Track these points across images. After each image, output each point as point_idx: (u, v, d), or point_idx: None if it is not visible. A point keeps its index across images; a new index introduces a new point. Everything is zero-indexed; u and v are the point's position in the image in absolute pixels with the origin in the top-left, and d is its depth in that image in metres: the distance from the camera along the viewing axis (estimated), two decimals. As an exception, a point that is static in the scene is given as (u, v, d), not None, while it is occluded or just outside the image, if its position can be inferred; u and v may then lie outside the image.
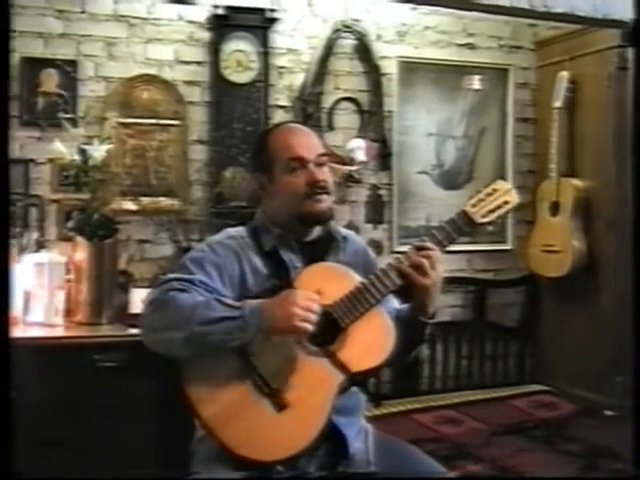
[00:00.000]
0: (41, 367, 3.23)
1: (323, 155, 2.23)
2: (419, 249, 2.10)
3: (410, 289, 2.13)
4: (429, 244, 2.11)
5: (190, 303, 1.98)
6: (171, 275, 2.09)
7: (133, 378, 3.33)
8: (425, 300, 2.12)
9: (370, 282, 2.09)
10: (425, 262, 2.07)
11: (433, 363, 5.00)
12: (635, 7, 3.44)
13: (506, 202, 2.18)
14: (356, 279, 2.11)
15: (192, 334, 1.95)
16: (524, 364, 5.31)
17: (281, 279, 2.12)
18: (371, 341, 2.06)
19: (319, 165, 2.20)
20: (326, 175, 2.21)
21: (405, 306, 2.23)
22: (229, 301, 2.02)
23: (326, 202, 2.19)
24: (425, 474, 2.16)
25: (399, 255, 2.12)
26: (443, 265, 2.11)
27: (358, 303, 2.07)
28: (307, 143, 2.23)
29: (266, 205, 2.28)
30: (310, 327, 1.96)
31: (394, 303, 2.28)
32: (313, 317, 1.97)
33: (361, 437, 2.20)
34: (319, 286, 2.07)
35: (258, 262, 2.16)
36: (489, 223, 2.16)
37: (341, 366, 2.03)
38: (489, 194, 2.18)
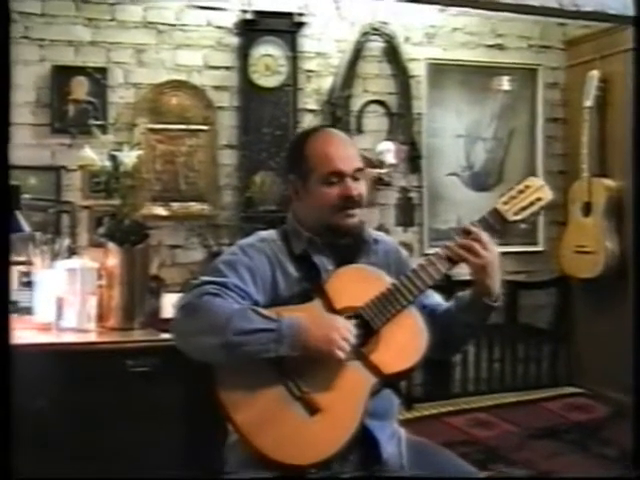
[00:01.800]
0: (74, 372, 3.24)
1: (360, 169, 2.23)
2: (467, 233, 2.10)
3: (452, 283, 2.13)
4: (475, 228, 2.10)
5: (226, 311, 1.98)
6: (204, 278, 2.09)
7: (165, 383, 3.33)
8: (485, 281, 2.11)
9: (401, 283, 2.08)
10: (474, 244, 2.07)
11: (465, 366, 4.98)
12: (636, 5, 3.40)
13: (539, 199, 2.15)
14: (387, 281, 2.11)
15: (227, 343, 1.95)
16: (557, 366, 5.27)
17: (312, 282, 2.12)
18: (403, 343, 2.05)
19: (355, 179, 2.19)
20: (361, 189, 2.20)
21: (466, 292, 2.20)
22: (266, 312, 2.01)
23: (357, 216, 2.19)
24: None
25: (435, 250, 2.12)
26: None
27: (389, 305, 2.06)
28: (346, 155, 2.21)
29: (297, 209, 2.27)
30: (344, 357, 1.97)
31: (436, 298, 2.29)
32: (348, 348, 1.98)
33: (394, 441, 2.19)
34: (350, 289, 2.07)
35: (289, 265, 2.16)
36: (522, 220, 2.14)
37: (373, 368, 2.02)
38: (521, 191, 2.15)
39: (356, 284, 2.11)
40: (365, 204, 2.23)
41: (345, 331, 1.99)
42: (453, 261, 2.10)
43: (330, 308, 2.07)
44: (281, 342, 1.95)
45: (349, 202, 2.16)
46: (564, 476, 3.72)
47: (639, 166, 3.35)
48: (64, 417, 3.13)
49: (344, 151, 2.22)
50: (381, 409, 2.10)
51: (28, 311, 3.51)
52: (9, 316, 1.78)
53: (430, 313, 2.19)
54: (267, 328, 1.96)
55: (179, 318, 2.06)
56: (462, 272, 2.15)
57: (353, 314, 2.06)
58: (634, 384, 2.81)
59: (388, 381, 2.07)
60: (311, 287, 2.11)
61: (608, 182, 4.85)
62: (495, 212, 2.14)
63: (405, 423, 2.33)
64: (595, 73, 4.85)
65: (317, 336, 1.96)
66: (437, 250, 2.14)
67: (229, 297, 2.02)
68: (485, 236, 2.09)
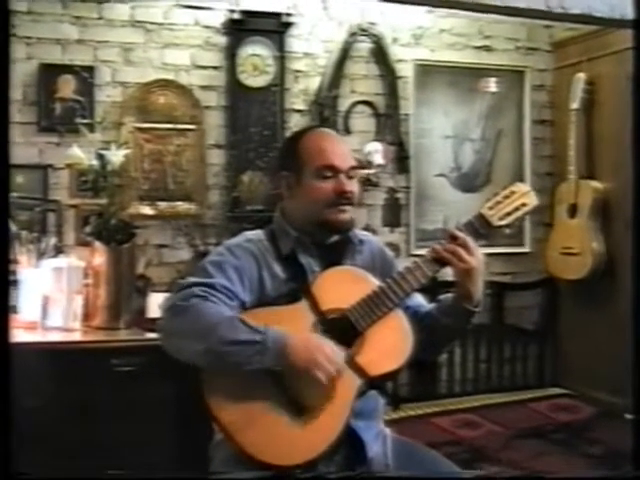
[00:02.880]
0: (59, 371, 3.23)
1: (354, 167, 2.24)
2: (453, 238, 2.11)
3: (437, 284, 2.13)
4: (461, 233, 2.11)
5: (213, 317, 1.97)
6: (192, 279, 2.08)
7: (151, 383, 3.33)
8: (468, 286, 2.11)
9: (387, 285, 2.09)
10: (459, 249, 2.08)
11: (452, 366, 4.99)
12: (635, 8, 3.40)
13: (524, 204, 2.17)
14: (373, 282, 2.11)
15: (212, 351, 1.94)
16: (543, 367, 5.29)
17: (299, 283, 2.12)
18: (389, 344, 2.06)
19: (349, 177, 2.20)
20: (354, 187, 2.21)
21: (448, 295, 2.22)
22: (252, 323, 2.00)
23: (349, 213, 2.19)
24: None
25: (422, 254, 2.13)
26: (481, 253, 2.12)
27: (375, 307, 2.06)
28: (341, 152, 2.22)
29: (287, 207, 2.27)
30: (326, 381, 1.96)
31: (420, 300, 2.30)
32: (333, 372, 1.97)
33: (379, 441, 2.19)
34: (337, 290, 2.08)
35: (276, 266, 2.15)
36: (506, 226, 2.15)
37: (359, 370, 2.02)
38: (507, 196, 2.17)
39: (342, 286, 2.11)
40: (356, 203, 2.24)
41: (331, 354, 1.98)
42: (438, 264, 2.11)
43: (316, 309, 2.07)
44: (265, 355, 1.94)
45: (342, 198, 2.17)
46: (556, 476, 3.73)
47: (639, 165, 3.35)
48: (48, 416, 3.13)
49: (338, 148, 2.24)
50: (367, 410, 2.10)
51: (13, 310, 3.49)
52: (8, 315, 1.78)
53: (413, 314, 2.20)
54: (252, 340, 1.95)
55: (166, 319, 2.05)
56: (447, 272, 2.16)
57: (340, 316, 2.06)
58: (633, 384, 2.82)
59: (374, 382, 2.07)
60: (298, 288, 2.11)
61: (594, 184, 4.86)
62: (480, 217, 2.15)
63: (391, 423, 2.33)
64: (582, 75, 4.87)
65: (302, 356, 1.95)
66: (424, 253, 2.14)
67: (217, 299, 2.01)
68: (471, 242, 2.10)
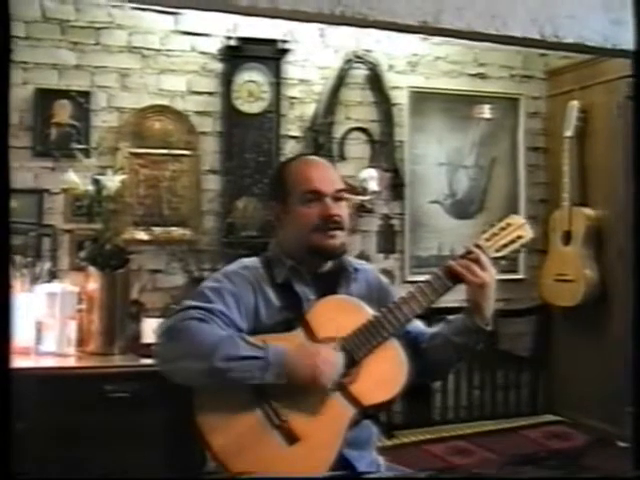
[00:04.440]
0: (52, 397, 3.22)
1: (341, 190, 2.24)
2: (467, 253, 2.14)
3: (430, 313, 2.15)
4: (475, 249, 2.12)
5: (213, 336, 1.99)
6: (190, 302, 2.08)
7: (144, 409, 3.32)
8: (480, 301, 2.13)
9: (383, 315, 2.09)
10: (472, 264, 2.10)
11: (445, 393, 4.97)
12: (636, 39, 3.42)
13: (519, 236, 2.20)
14: (369, 312, 2.12)
15: (214, 368, 1.95)
16: (536, 394, 5.27)
17: (294, 311, 2.13)
18: (384, 374, 2.06)
19: (336, 200, 2.20)
20: (342, 210, 2.21)
21: (458, 316, 2.23)
22: (253, 340, 2.02)
23: (339, 237, 2.19)
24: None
25: (416, 280, 2.15)
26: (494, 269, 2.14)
27: (371, 336, 2.07)
28: (326, 177, 2.23)
29: (279, 236, 2.28)
30: (330, 385, 1.98)
31: (420, 324, 2.31)
32: (335, 377, 2.00)
33: (372, 469, 2.18)
34: (332, 320, 2.08)
35: (271, 294, 2.16)
36: (502, 257, 2.18)
37: (353, 399, 2.03)
38: (503, 228, 2.20)
39: (338, 315, 2.12)
40: (347, 227, 2.24)
41: (332, 360, 2.00)
42: (451, 280, 2.12)
43: (312, 338, 2.08)
44: (267, 370, 1.96)
45: (329, 222, 2.17)
46: (554, 476, 3.71)
47: (638, 188, 3.38)
48: (41, 442, 3.11)
49: (322, 173, 2.24)
50: (360, 439, 2.11)
51: (7, 335, 3.48)
52: (10, 339, 1.78)
53: (414, 338, 2.21)
54: (254, 355, 1.97)
55: (164, 341, 2.05)
56: (443, 300, 2.17)
57: (335, 345, 2.06)
58: (633, 383, 2.83)
59: (368, 412, 2.07)
60: (293, 316, 2.11)
61: (587, 211, 4.87)
62: (478, 248, 2.16)
63: (385, 451, 2.33)
64: (575, 103, 4.89)
65: (304, 365, 1.98)
66: (435, 270, 2.16)
67: (214, 323, 2.02)
68: (484, 257, 2.11)
